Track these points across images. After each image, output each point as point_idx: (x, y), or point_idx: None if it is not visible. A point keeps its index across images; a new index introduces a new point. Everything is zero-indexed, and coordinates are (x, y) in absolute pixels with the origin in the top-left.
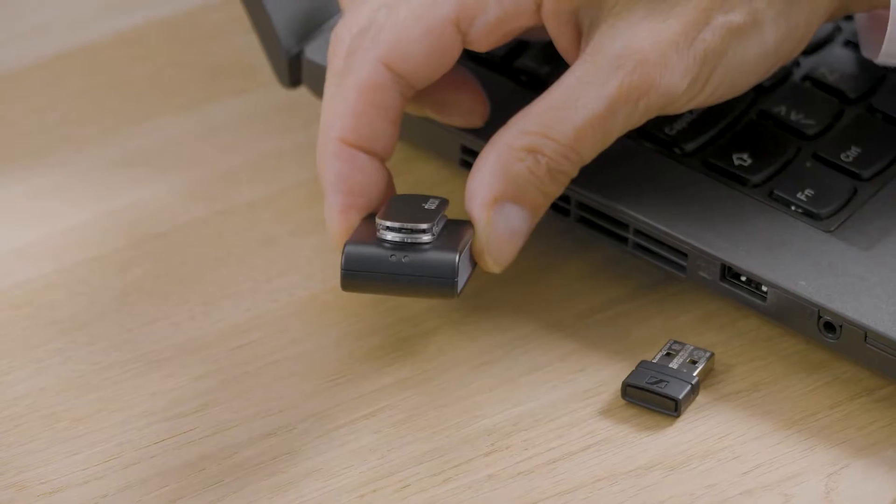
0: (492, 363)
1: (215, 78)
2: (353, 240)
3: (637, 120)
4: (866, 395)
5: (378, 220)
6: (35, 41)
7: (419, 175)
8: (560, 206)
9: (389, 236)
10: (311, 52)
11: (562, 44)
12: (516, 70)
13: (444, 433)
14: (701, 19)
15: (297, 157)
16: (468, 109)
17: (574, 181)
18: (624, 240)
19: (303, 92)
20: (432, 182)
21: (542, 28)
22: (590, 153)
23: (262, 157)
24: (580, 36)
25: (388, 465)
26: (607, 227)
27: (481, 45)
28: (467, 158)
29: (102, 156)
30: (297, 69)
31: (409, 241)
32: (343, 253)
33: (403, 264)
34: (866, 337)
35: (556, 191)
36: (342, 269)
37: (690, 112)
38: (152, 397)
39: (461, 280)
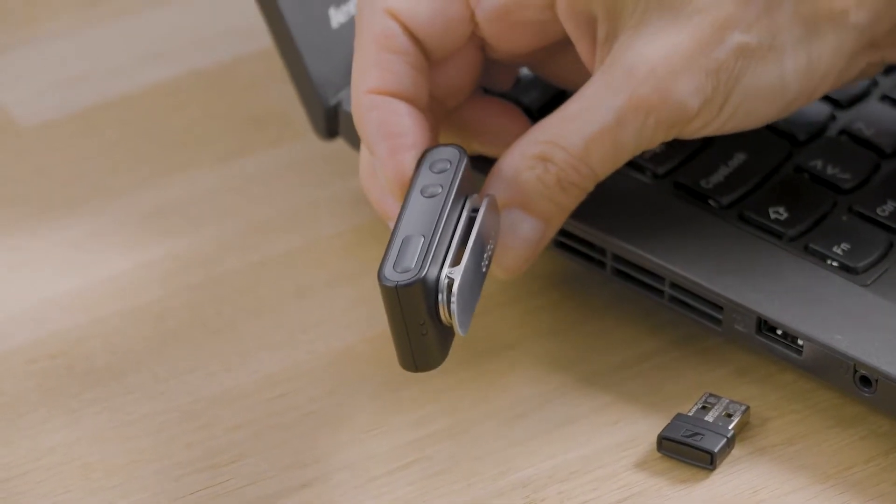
0: (527, 415)
1: (251, 129)
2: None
3: (650, 136)
4: None
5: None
6: (71, 91)
7: None
8: (596, 259)
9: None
10: (348, 103)
11: (581, 49)
12: None
13: (479, 485)
14: (716, 37)
15: (332, 208)
16: (515, 138)
17: (610, 233)
18: (660, 293)
19: (339, 143)
20: None
21: (566, 64)
22: (601, 166)
23: (297, 207)
24: (595, 45)
25: None
26: (643, 280)
27: (490, 29)
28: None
29: (138, 206)
30: (335, 120)
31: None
32: (419, 278)
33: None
34: None
35: (568, 202)
36: (407, 283)
37: (726, 165)
38: (188, 448)
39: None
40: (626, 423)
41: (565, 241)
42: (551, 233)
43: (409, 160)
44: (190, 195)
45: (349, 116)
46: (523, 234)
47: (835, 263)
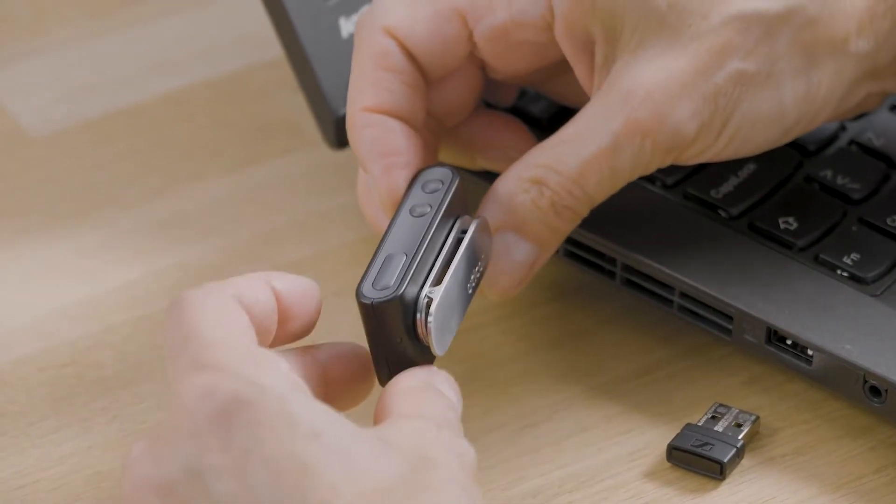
0: (536, 425)
1: (261, 138)
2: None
3: (646, 161)
4: None
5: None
6: (81, 101)
7: None
8: (606, 269)
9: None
10: None
11: (578, 72)
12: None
13: (489, 495)
14: (714, 63)
15: (342, 218)
16: (518, 152)
17: (619, 243)
18: (670, 302)
19: (349, 153)
20: None
21: (567, 84)
22: (596, 191)
23: (307, 217)
24: (593, 68)
25: None
26: (653, 290)
27: (488, 50)
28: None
29: (148, 215)
30: (344, 130)
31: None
32: (399, 295)
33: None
34: None
35: (563, 227)
36: (383, 300)
37: (736, 175)
38: None
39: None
40: (636, 433)
41: (574, 251)
42: (545, 256)
43: (403, 179)
44: (199, 204)
45: None
46: (516, 258)
47: (844, 274)
